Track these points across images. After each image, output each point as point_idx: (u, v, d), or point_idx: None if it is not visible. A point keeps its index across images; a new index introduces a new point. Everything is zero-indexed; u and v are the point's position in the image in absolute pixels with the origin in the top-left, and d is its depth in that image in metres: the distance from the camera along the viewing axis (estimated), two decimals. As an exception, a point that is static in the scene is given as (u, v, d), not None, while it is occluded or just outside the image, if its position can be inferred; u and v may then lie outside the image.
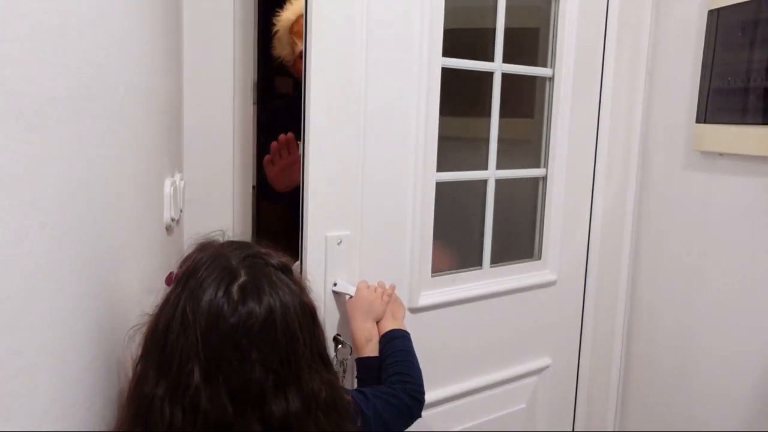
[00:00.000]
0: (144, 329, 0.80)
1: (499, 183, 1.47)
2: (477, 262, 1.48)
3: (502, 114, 1.43)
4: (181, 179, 1.34)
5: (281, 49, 1.77)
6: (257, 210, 1.66)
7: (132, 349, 0.87)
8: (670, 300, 1.59)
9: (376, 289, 1.23)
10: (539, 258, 1.60)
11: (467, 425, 1.50)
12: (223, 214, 1.48)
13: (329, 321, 1.24)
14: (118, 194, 0.86)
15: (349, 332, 1.20)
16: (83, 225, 0.72)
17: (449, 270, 1.43)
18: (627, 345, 1.73)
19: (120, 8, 0.85)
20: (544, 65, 1.53)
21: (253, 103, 1.52)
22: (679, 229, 1.56)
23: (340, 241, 1.23)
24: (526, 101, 1.58)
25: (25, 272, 0.59)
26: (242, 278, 0.79)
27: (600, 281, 1.71)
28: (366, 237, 1.27)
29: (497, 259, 1.49)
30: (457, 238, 1.50)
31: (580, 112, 1.58)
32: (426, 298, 1.37)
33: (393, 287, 1.26)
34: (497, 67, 1.40)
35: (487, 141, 1.43)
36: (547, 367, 1.66)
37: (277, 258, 0.84)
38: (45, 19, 0.61)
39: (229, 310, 0.75)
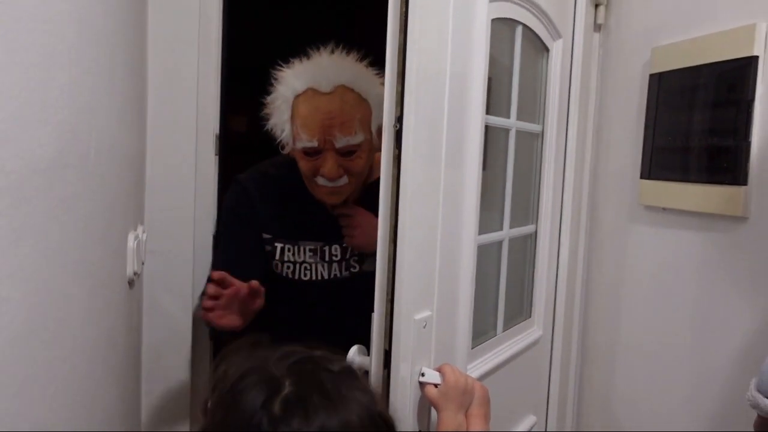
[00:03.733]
0: None
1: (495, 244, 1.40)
2: (492, 328, 1.42)
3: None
4: (143, 231, 1.34)
5: (278, 127, 1.42)
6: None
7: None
8: (620, 343, 1.65)
9: (465, 377, 1.08)
10: (530, 316, 1.60)
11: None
12: (184, 264, 1.50)
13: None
14: (84, 254, 0.87)
15: (434, 425, 1.08)
16: (57, 292, 0.73)
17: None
18: (580, 390, 1.78)
19: (92, 70, 0.87)
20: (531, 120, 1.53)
21: (215, 154, 1.54)
22: (630, 278, 1.63)
23: (425, 324, 1.09)
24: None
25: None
26: (286, 389, 0.64)
27: (562, 331, 1.73)
28: (439, 316, 1.14)
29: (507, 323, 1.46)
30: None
31: (557, 168, 1.63)
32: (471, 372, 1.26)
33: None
34: (512, 124, 1.40)
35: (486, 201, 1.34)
36: (534, 424, 1.65)
37: (337, 363, 0.70)
38: (30, 96, 0.63)
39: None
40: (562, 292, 1.70)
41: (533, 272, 1.60)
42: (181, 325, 1.50)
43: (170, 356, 1.51)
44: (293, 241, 1.50)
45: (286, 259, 1.51)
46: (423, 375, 1.08)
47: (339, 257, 1.51)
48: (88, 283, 0.89)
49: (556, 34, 1.54)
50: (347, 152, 1.37)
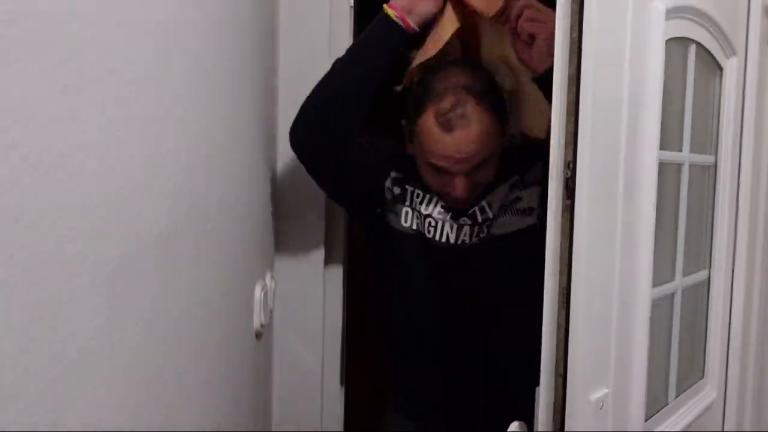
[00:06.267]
0: None
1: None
2: (663, 395, 1.22)
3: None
4: (272, 278, 1.30)
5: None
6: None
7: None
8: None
9: None
10: (702, 376, 1.38)
11: None
12: (314, 308, 1.47)
13: None
14: (209, 312, 0.86)
15: None
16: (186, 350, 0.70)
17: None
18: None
19: (210, 119, 0.85)
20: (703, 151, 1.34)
21: None
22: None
23: (602, 405, 0.95)
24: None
25: None
26: None
27: (736, 394, 1.48)
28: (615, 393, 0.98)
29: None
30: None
31: (731, 204, 1.40)
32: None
33: None
34: (685, 157, 1.22)
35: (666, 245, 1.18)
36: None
37: None
38: (140, 161, 0.59)
39: None
40: (736, 347, 1.45)
41: (706, 325, 1.38)
42: (313, 370, 1.47)
43: (301, 404, 1.48)
44: (426, 189, 1.34)
45: (414, 203, 1.36)
46: None
47: (471, 222, 1.33)
48: (212, 342, 0.85)
49: (731, 51, 1.33)
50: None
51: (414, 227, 1.35)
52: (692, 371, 1.37)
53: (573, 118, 0.84)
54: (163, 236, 0.68)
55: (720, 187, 1.35)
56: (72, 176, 0.51)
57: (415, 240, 1.35)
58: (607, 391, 0.93)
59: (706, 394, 1.36)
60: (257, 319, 1.14)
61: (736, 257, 1.43)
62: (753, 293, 1.49)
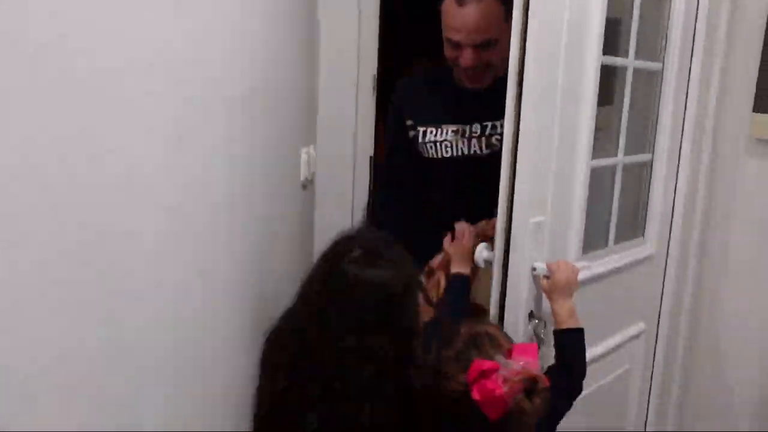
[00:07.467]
0: None
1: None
2: (603, 241, 1.64)
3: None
4: (313, 150, 1.78)
5: None
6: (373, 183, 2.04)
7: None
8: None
9: (568, 271, 1.33)
10: (642, 235, 1.79)
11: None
12: (345, 179, 1.98)
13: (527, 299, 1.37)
14: (273, 164, 1.35)
15: (551, 308, 1.33)
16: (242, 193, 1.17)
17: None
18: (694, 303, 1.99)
19: (277, 26, 1.33)
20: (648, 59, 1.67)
21: (373, 89, 1.96)
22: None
23: (539, 227, 1.35)
24: (607, 89, 1.67)
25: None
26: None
27: (680, 253, 1.92)
28: (551, 221, 1.39)
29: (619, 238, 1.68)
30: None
31: (678, 103, 1.77)
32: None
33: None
34: (630, 62, 1.57)
35: (606, 130, 1.58)
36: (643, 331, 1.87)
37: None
38: (233, 45, 1.10)
39: None
40: (679, 217, 1.87)
41: (648, 197, 1.78)
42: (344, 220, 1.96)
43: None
44: (435, 124, 1.74)
45: (428, 140, 1.74)
46: (535, 269, 1.34)
47: (478, 133, 1.70)
48: (275, 183, 1.34)
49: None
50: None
51: (434, 155, 1.74)
52: (634, 234, 1.79)
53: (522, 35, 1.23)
54: (244, 98, 1.11)
55: (665, 88, 1.72)
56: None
57: (440, 163, 1.74)
58: (543, 218, 1.35)
59: (644, 248, 1.79)
60: (303, 173, 1.61)
61: (683, 145, 1.82)
62: (699, 174, 1.89)
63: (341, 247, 1.16)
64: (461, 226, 1.53)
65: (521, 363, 1.08)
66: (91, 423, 0.73)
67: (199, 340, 1.00)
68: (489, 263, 1.40)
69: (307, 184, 1.67)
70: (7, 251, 0.58)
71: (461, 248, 1.49)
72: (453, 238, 1.52)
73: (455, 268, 1.49)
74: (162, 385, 0.90)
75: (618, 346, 1.73)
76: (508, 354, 1.11)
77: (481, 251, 1.43)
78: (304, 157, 1.61)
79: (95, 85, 0.69)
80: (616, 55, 1.53)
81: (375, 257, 1.13)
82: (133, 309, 0.80)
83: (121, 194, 0.76)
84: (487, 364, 1.08)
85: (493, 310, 1.36)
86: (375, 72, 1.94)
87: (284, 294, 1.23)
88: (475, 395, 1.06)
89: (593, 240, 1.58)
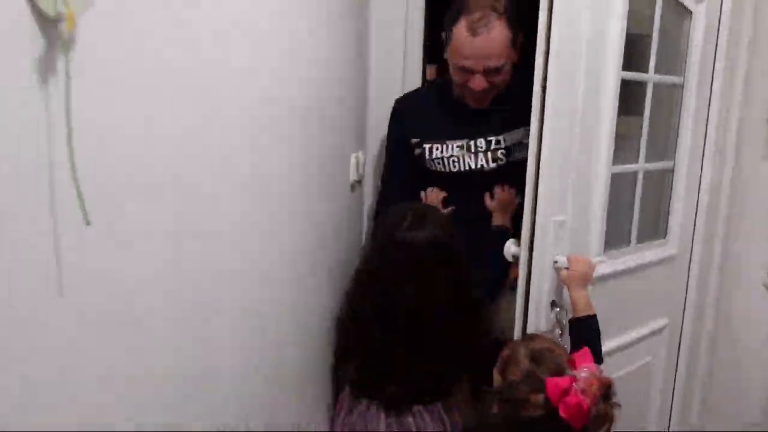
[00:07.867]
0: None
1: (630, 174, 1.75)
2: (626, 241, 1.77)
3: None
4: (363, 154, 1.98)
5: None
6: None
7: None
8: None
9: (586, 263, 1.48)
10: (664, 237, 1.92)
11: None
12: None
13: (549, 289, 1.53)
14: (327, 165, 1.58)
15: (569, 297, 1.49)
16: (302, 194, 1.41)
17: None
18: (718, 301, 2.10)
19: (330, 43, 1.56)
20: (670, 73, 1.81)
21: None
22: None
23: (561, 225, 1.50)
24: (634, 101, 1.78)
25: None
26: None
27: (702, 255, 2.03)
28: (572, 220, 1.53)
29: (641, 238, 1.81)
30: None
31: (700, 113, 1.89)
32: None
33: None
34: (650, 77, 1.71)
35: (630, 138, 1.71)
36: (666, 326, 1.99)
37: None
38: (285, 66, 1.32)
39: None
40: (701, 222, 1.99)
41: (670, 202, 1.91)
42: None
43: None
44: (441, 141, 1.81)
45: (434, 156, 1.82)
46: (556, 262, 1.50)
47: (484, 148, 1.79)
48: (326, 183, 1.57)
49: (700, -3, 1.79)
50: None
51: (443, 170, 1.83)
52: (657, 235, 1.92)
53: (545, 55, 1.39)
54: (305, 108, 1.34)
55: (686, 101, 1.84)
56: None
57: (447, 176, 1.83)
58: (564, 218, 1.51)
59: (666, 248, 1.92)
60: (352, 176, 1.81)
61: (705, 152, 1.94)
62: (722, 179, 2.00)
63: (396, 216, 1.56)
64: (500, 188, 1.78)
65: (587, 371, 1.18)
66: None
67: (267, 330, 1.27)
68: (516, 258, 1.56)
69: (356, 186, 1.88)
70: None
71: (501, 203, 1.76)
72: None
73: (497, 221, 1.75)
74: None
75: (639, 339, 1.87)
76: (571, 364, 1.22)
77: (509, 246, 1.59)
78: (353, 161, 1.81)
79: (210, 104, 0.96)
80: (639, 70, 1.68)
81: (423, 220, 1.53)
82: (215, 294, 1.03)
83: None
84: (564, 382, 1.16)
85: (519, 299, 1.52)
86: (421, 78, 2.13)
87: (336, 278, 1.52)
88: (563, 414, 1.13)
89: (617, 239, 1.73)
